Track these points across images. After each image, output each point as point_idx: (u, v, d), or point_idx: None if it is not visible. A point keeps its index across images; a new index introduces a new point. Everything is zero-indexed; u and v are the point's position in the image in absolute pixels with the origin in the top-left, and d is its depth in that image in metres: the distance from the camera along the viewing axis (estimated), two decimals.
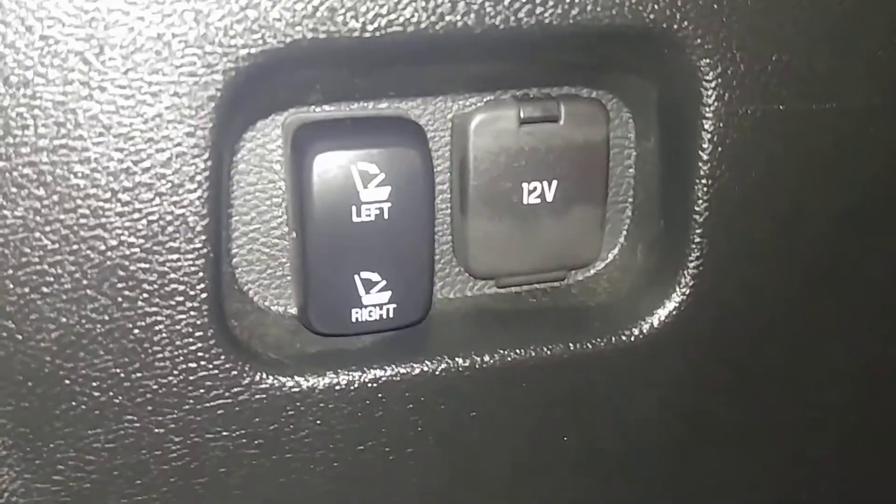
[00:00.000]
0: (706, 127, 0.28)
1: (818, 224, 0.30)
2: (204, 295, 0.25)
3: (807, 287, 0.31)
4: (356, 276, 0.27)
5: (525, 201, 0.30)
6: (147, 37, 0.22)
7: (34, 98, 0.22)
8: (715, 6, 0.26)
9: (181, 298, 0.25)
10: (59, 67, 0.22)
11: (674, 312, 0.30)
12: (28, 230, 0.23)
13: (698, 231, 0.29)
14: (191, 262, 0.24)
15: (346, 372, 0.27)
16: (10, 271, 0.23)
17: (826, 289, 0.31)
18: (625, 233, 0.32)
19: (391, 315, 0.28)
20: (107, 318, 0.24)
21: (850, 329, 0.33)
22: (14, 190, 0.23)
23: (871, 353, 0.33)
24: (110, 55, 0.22)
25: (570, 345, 0.30)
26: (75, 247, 0.23)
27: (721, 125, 0.28)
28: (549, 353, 0.30)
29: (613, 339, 0.30)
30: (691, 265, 0.30)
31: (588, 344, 0.30)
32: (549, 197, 0.30)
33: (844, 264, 0.31)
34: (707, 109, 0.28)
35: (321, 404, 0.27)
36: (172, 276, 0.24)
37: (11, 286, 0.23)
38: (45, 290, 0.23)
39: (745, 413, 0.32)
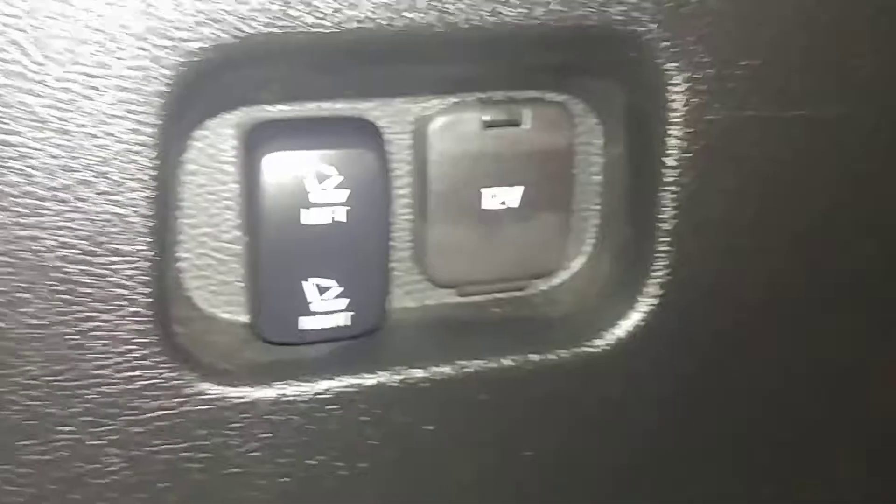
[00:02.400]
0: (674, 133, 0.27)
1: (786, 232, 0.30)
2: (147, 300, 0.24)
3: (774, 296, 0.30)
4: (306, 283, 0.26)
5: (487, 207, 0.29)
6: (91, 28, 0.21)
7: None
8: (683, 9, 0.26)
9: (122, 303, 0.23)
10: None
11: (640, 323, 0.29)
12: None
13: (665, 239, 0.29)
14: (132, 265, 0.23)
15: (296, 383, 0.26)
16: None
17: (794, 297, 0.31)
18: (591, 241, 0.31)
19: (348, 323, 0.27)
20: (42, 322, 0.23)
21: (817, 338, 0.32)
22: None
23: (839, 359, 0.33)
24: (51, 46, 0.21)
25: (532, 356, 0.29)
26: (9, 246, 0.22)
27: (689, 131, 0.27)
28: (509, 364, 0.29)
29: (577, 350, 0.29)
30: (658, 274, 0.29)
31: (550, 355, 0.29)
32: (513, 203, 0.29)
33: (812, 273, 0.31)
34: (675, 115, 0.27)
35: (270, 416, 0.26)
36: (113, 278, 0.23)
37: None
38: None
39: (712, 423, 0.32)
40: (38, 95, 0.21)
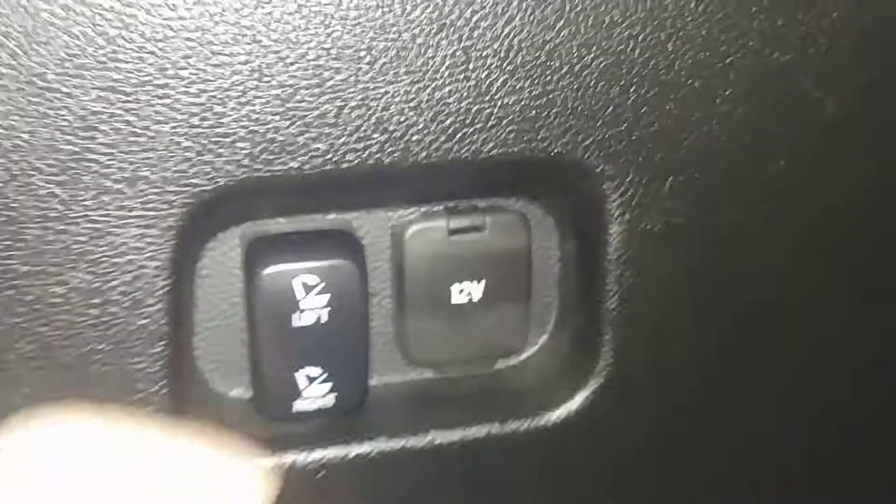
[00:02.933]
0: (612, 240, 0.32)
1: (717, 319, 0.34)
2: (164, 391, 0.29)
3: (710, 373, 0.35)
4: (297, 373, 0.31)
5: (455, 300, 0.33)
6: (115, 179, 0.26)
7: (18, 234, 0.26)
8: (614, 140, 0.30)
9: (143, 394, 0.29)
10: (36, 207, 0.26)
11: (590, 398, 0.34)
12: (11, 340, 0.27)
13: (609, 326, 0.33)
14: (150, 363, 0.28)
15: (292, 453, 0.31)
16: None
17: (729, 375, 0.35)
18: (551, 323, 0.36)
19: (333, 403, 0.32)
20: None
21: (757, 404, 0.36)
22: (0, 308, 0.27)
23: (779, 424, 0.37)
24: (83, 195, 0.26)
25: (497, 426, 0.34)
26: (53, 353, 0.27)
27: (625, 237, 0.32)
28: (478, 434, 0.33)
29: (536, 421, 0.34)
30: (604, 357, 0.33)
31: (513, 425, 0.34)
32: (477, 297, 0.34)
33: (746, 351, 0.35)
34: (612, 224, 0.32)
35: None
36: (135, 376, 0.28)
37: None
38: (24, 390, 0.27)
39: (654, 486, 0.36)
40: (74, 235, 0.27)
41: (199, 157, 0.27)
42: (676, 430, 0.35)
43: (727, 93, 0.31)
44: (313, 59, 0.27)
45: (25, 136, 0.25)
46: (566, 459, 0.34)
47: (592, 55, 0.29)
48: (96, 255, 0.27)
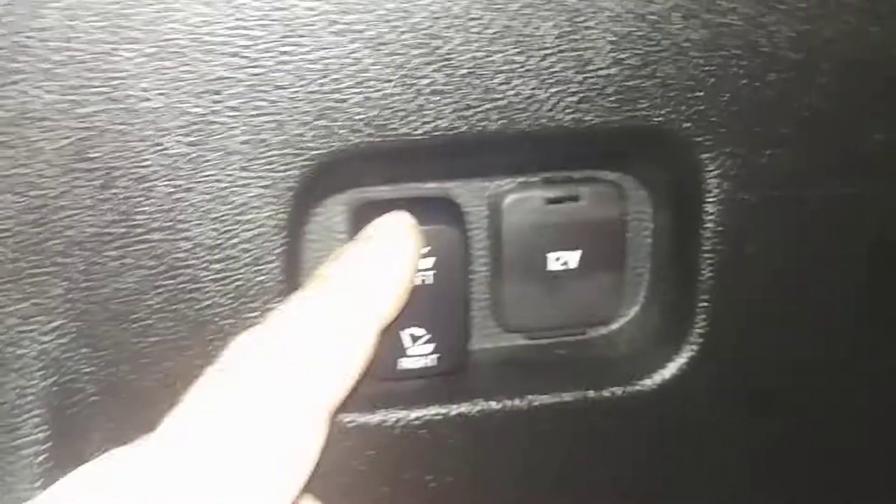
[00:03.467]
0: (708, 210, 0.32)
1: (810, 293, 0.34)
2: None
3: (802, 347, 0.35)
4: (402, 332, 0.32)
5: (551, 268, 0.34)
6: (239, 140, 0.28)
7: (150, 191, 0.28)
8: (713, 111, 0.31)
9: None
10: (168, 166, 0.28)
11: (683, 366, 0.34)
12: (139, 293, 0.29)
13: (703, 297, 0.34)
14: (264, 317, 0.30)
15: (395, 410, 0.33)
16: (125, 324, 0.29)
17: (821, 349, 0.35)
18: (643, 295, 0.36)
19: (434, 364, 0.33)
20: (200, 362, 0.30)
21: (844, 383, 0.36)
22: (130, 261, 0.28)
23: (872, 401, 0.37)
24: (209, 155, 0.28)
25: (590, 392, 0.34)
26: (178, 305, 0.29)
27: (721, 209, 0.32)
28: (572, 399, 0.34)
29: (630, 388, 0.35)
30: (697, 327, 0.34)
31: (607, 392, 0.35)
32: (573, 265, 0.34)
33: (838, 328, 0.35)
34: (709, 195, 0.32)
35: (373, 438, 0.32)
36: (252, 327, 0.30)
37: (125, 336, 0.29)
38: (150, 339, 0.29)
39: (746, 460, 0.36)
40: (201, 193, 0.28)
41: (317, 122, 0.28)
42: (766, 400, 0.35)
43: (826, 66, 0.31)
44: (425, 29, 0.28)
45: (158, 99, 0.27)
46: (658, 427, 0.35)
47: (693, 28, 0.30)
48: (220, 213, 0.29)
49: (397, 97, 0.29)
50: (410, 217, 0.30)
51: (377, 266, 0.28)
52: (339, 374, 0.26)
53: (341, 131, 0.29)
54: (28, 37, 0.26)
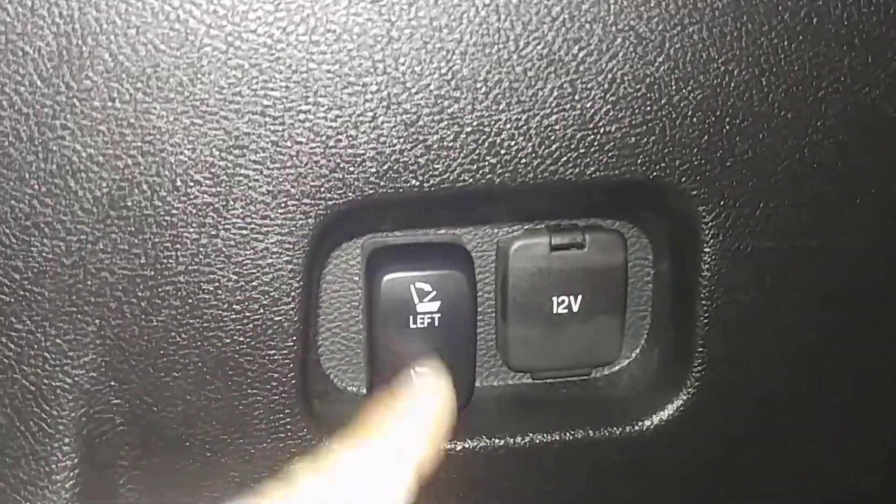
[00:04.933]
0: (705, 259, 0.34)
1: (803, 337, 0.36)
2: (293, 381, 0.32)
3: (797, 387, 0.36)
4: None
5: (555, 311, 0.36)
6: (261, 191, 0.30)
7: (178, 237, 0.30)
8: (709, 166, 0.32)
9: (275, 384, 0.32)
10: (194, 214, 0.30)
11: (681, 408, 0.36)
12: (165, 331, 0.31)
13: (701, 342, 0.35)
14: (284, 356, 0.32)
15: None
16: (152, 360, 0.31)
17: (815, 389, 0.37)
18: (644, 337, 0.38)
19: None
20: (220, 396, 0.32)
21: (841, 418, 0.38)
22: (158, 302, 0.31)
23: (865, 441, 0.38)
24: (233, 205, 0.30)
25: (592, 432, 0.36)
26: (201, 343, 0.31)
27: (717, 257, 0.34)
28: (574, 437, 0.36)
29: (630, 428, 0.36)
30: (695, 369, 0.35)
31: (608, 431, 0.36)
32: (576, 308, 0.36)
33: (833, 367, 0.37)
34: (706, 244, 0.34)
35: None
36: (269, 366, 0.32)
37: (151, 371, 0.31)
38: (175, 374, 0.31)
39: (743, 497, 0.38)
40: (224, 240, 0.30)
41: (333, 174, 0.30)
42: (763, 439, 0.37)
43: (818, 124, 0.33)
44: (435, 90, 0.30)
45: (187, 153, 0.29)
46: (657, 465, 0.36)
47: (689, 88, 0.31)
48: (242, 258, 0.31)
49: (408, 152, 0.31)
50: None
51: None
52: None
53: (356, 183, 0.31)
54: (73, 96, 0.28)
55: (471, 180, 0.31)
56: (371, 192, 0.31)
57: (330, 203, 0.31)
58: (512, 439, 0.35)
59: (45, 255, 0.29)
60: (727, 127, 0.32)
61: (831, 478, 0.38)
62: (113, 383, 0.31)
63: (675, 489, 0.37)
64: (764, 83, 0.32)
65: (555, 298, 0.36)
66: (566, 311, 0.36)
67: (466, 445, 0.35)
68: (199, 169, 0.30)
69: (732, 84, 0.32)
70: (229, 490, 0.33)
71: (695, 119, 0.32)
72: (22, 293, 0.30)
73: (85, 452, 0.31)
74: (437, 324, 0.34)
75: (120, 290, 0.30)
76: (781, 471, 0.37)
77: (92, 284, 0.30)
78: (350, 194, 0.31)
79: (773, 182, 0.33)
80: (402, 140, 0.31)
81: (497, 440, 0.35)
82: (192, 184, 0.30)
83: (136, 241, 0.30)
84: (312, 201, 0.31)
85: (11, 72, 0.28)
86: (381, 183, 0.31)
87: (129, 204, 0.29)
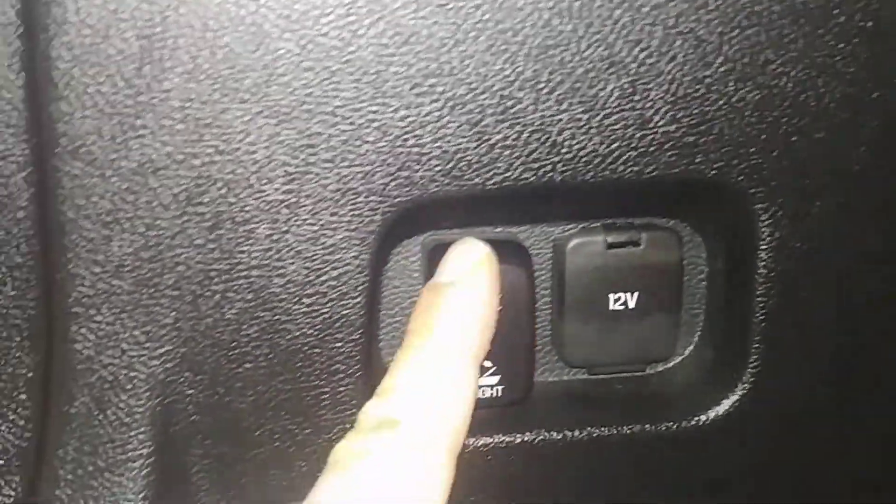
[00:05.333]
0: (760, 257, 0.35)
1: (858, 335, 0.36)
2: (359, 373, 0.33)
3: (851, 384, 0.37)
4: None
5: (611, 308, 0.37)
6: (330, 189, 0.31)
7: (251, 233, 0.31)
8: (765, 166, 0.33)
9: (342, 376, 0.33)
10: (268, 211, 0.31)
11: (736, 404, 0.36)
12: (238, 323, 0.32)
13: (756, 339, 0.36)
14: (350, 349, 0.33)
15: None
16: (224, 351, 0.32)
17: (869, 386, 0.37)
18: (698, 334, 0.39)
19: (499, 394, 0.36)
20: (288, 387, 0.33)
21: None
22: (231, 295, 0.32)
23: None
24: (304, 202, 0.31)
25: (648, 426, 0.37)
26: (271, 336, 0.32)
27: (773, 256, 0.34)
28: (630, 432, 0.37)
29: (685, 423, 0.37)
30: (750, 367, 0.36)
31: (663, 426, 0.37)
32: (632, 305, 0.37)
33: (887, 368, 0.37)
34: (761, 243, 0.34)
35: None
36: (337, 358, 0.33)
37: (224, 362, 0.32)
38: (246, 365, 0.33)
39: (799, 492, 0.38)
40: (297, 235, 0.31)
41: (400, 172, 0.31)
42: (818, 436, 0.37)
43: (874, 123, 0.33)
44: (499, 90, 0.31)
45: (261, 152, 0.31)
46: (711, 460, 0.37)
47: (747, 89, 0.32)
48: (311, 254, 0.32)
49: (472, 151, 0.32)
50: (484, 246, 0.33)
51: (471, 312, 0.31)
52: (459, 418, 0.29)
53: (421, 181, 0.32)
54: (153, 97, 0.29)
55: (532, 178, 0.32)
56: (435, 189, 0.32)
57: (396, 200, 0.32)
58: (570, 433, 0.36)
59: (124, 249, 0.31)
60: (783, 127, 0.33)
61: (885, 475, 0.38)
62: (187, 374, 0.32)
63: (730, 483, 0.38)
64: (820, 84, 0.32)
65: (611, 295, 0.37)
66: (622, 307, 0.37)
67: (525, 438, 0.35)
68: (273, 167, 0.31)
69: (790, 85, 0.32)
70: (297, 479, 0.34)
71: (752, 119, 0.33)
72: (102, 286, 0.31)
73: (160, 441, 0.32)
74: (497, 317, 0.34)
75: (195, 284, 0.31)
76: (835, 466, 0.38)
77: (169, 278, 0.31)
78: (415, 192, 0.32)
79: (829, 180, 0.34)
80: (466, 139, 0.31)
81: (555, 434, 0.36)
82: (265, 181, 0.31)
83: (211, 236, 0.31)
84: (379, 198, 0.32)
85: (95, 73, 0.29)
86: (446, 181, 0.32)
87: (206, 201, 0.31)
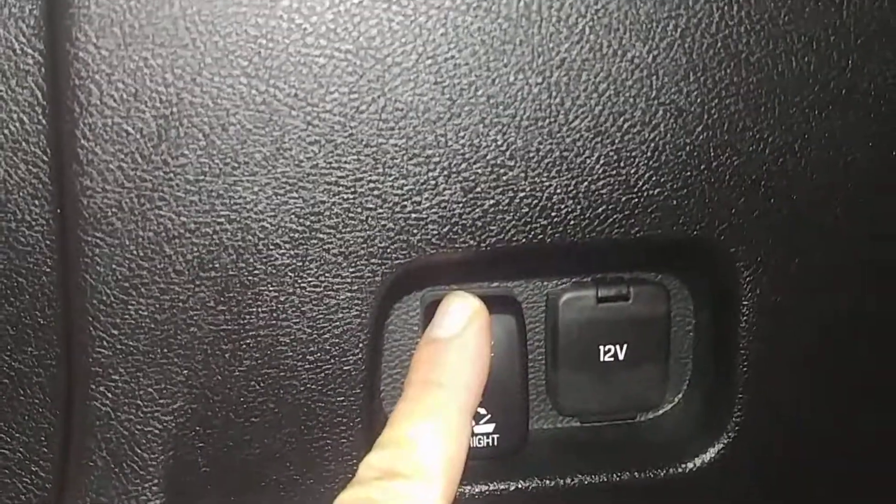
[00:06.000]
0: (744, 311, 0.36)
1: (840, 386, 0.38)
2: (360, 426, 0.35)
3: (834, 434, 0.38)
4: None
5: (601, 359, 0.39)
6: (333, 253, 0.33)
7: (259, 296, 0.33)
8: (746, 225, 0.35)
9: (344, 428, 0.35)
10: (274, 275, 0.33)
11: (722, 451, 0.38)
12: (246, 380, 0.34)
13: (741, 389, 0.37)
14: (352, 402, 0.35)
15: (459, 486, 0.37)
16: (233, 406, 0.34)
17: (852, 435, 0.39)
18: (686, 383, 0.40)
19: (495, 443, 0.38)
20: (293, 440, 0.35)
21: (880, 465, 0.39)
22: (240, 353, 0.34)
23: None
24: (309, 266, 0.33)
25: (638, 473, 0.38)
26: (277, 391, 0.34)
27: (755, 310, 0.36)
28: (621, 478, 0.38)
29: (674, 469, 0.38)
30: (736, 415, 0.38)
31: (653, 473, 0.38)
32: (621, 356, 0.39)
33: (868, 417, 0.39)
34: (744, 297, 0.36)
35: None
36: (339, 411, 0.35)
37: (232, 417, 0.34)
38: (253, 419, 0.34)
39: None
40: (300, 297, 0.33)
41: (399, 236, 0.33)
42: (802, 483, 0.39)
43: (849, 186, 0.35)
44: (492, 160, 0.33)
45: (269, 220, 0.32)
46: None
47: (727, 155, 0.34)
48: (315, 313, 0.34)
49: (467, 215, 0.33)
50: (475, 300, 0.35)
51: (466, 365, 0.33)
52: (456, 469, 0.31)
53: (419, 244, 0.34)
54: (170, 171, 0.31)
55: (523, 239, 0.34)
56: (433, 251, 0.34)
57: (395, 262, 0.34)
58: (562, 480, 0.37)
59: (140, 312, 0.33)
60: (763, 189, 0.35)
61: None
62: (198, 428, 0.34)
63: None
64: (797, 149, 0.34)
65: (601, 347, 0.38)
66: (612, 358, 0.39)
67: (520, 486, 0.37)
68: (280, 234, 0.33)
69: (767, 150, 0.34)
70: None
71: (732, 182, 0.34)
72: (119, 347, 0.33)
73: (172, 492, 0.34)
74: (491, 369, 0.36)
75: (206, 344, 0.33)
76: None
77: (182, 339, 0.33)
78: (413, 253, 0.34)
79: (809, 239, 0.36)
80: (461, 205, 0.33)
81: (548, 481, 0.37)
82: (272, 247, 0.33)
83: (221, 299, 0.33)
84: (379, 260, 0.34)
85: (115, 150, 0.31)
86: (442, 243, 0.34)
87: (216, 266, 0.32)
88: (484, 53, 0.32)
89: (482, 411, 0.37)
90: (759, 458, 0.38)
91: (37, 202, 0.31)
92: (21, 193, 0.32)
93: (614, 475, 0.38)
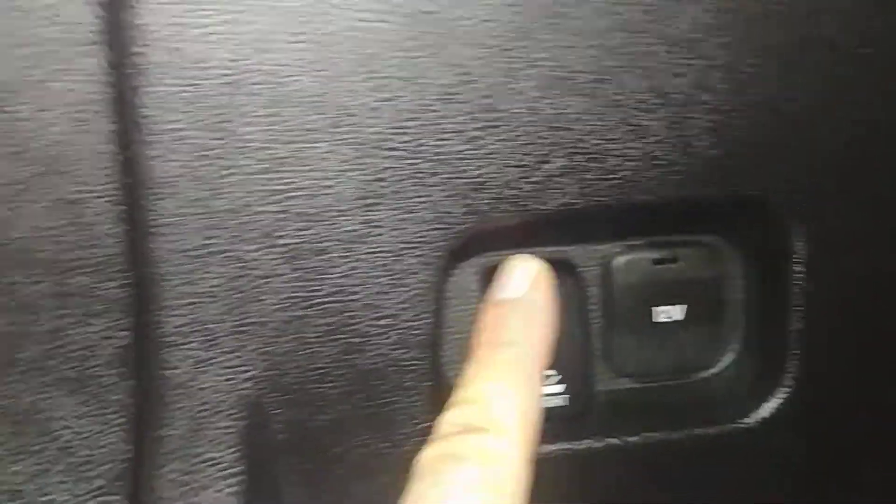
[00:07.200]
0: (795, 270, 0.37)
1: (893, 343, 0.39)
2: (428, 390, 0.36)
3: (886, 388, 0.39)
4: None
5: (656, 320, 0.39)
6: (399, 219, 0.34)
7: (329, 263, 0.34)
8: (799, 184, 0.36)
9: (413, 392, 0.36)
10: (344, 241, 0.34)
11: (775, 409, 0.39)
12: (318, 346, 0.35)
13: (794, 347, 0.38)
14: (419, 367, 0.36)
15: None
16: (306, 373, 0.35)
17: None
18: (738, 342, 0.41)
19: (566, 403, 0.38)
20: (365, 405, 0.35)
21: None
22: (312, 320, 0.34)
23: None
24: (377, 230, 0.34)
25: (695, 430, 0.39)
26: (348, 357, 0.35)
27: (807, 268, 0.37)
28: (680, 436, 0.39)
29: (730, 426, 0.39)
30: (788, 372, 0.38)
31: (708, 430, 0.39)
32: (676, 317, 0.39)
33: None
34: (796, 257, 0.37)
35: None
36: (407, 376, 0.35)
37: (305, 383, 0.35)
38: (326, 385, 0.35)
39: (840, 492, 0.40)
40: (369, 262, 0.34)
41: (462, 201, 0.34)
42: (856, 438, 0.40)
43: None
44: (552, 122, 0.34)
45: (338, 187, 0.33)
46: (757, 461, 0.39)
47: (781, 113, 0.35)
48: (384, 278, 0.34)
49: (529, 179, 0.34)
50: (539, 262, 0.36)
51: (535, 325, 0.34)
52: (534, 426, 0.32)
53: (482, 208, 0.34)
54: (237, 139, 0.32)
55: (583, 203, 0.35)
56: (497, 214, 0.34)
57: (459, 227, 0.34)
58: (628, 438, 0.38)
59: (213, 281, 0.33)
60: (818, 149, 0.35)
61: None
62: (273, 394, 0.34)
63: (776, 484, 0.40)
64: (850, 109, 0.35)
65: (655, 308, 0.39)
66: (666, 319, 0.39)
67: (587, 444, 0.38)
68: (348, 200, 0.33)
69: (819, 110, 0.35)
70: (377, 492, 0.36)
71: (787, 140, 0.35)
72: (194, 316, 0.33)
73: (250, 459, 0.34)
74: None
75: (279, 311, 0.34)
76: (879, 465, 0.40)
77: (254, 307, 0.34)
78: (477, 217, 0.34)
79: (860, 198, 0.36)
80: (522, 169, 0.34)
81: (615, 440, 0.38)
82: (340, 214, 0.33)
83: (292, 266, 0.34)
84: (444, 225, 0.34)
85: (182, 118, 0.32)
86: (505, 207, 0.34)
87: (286, 233, 0.33)
88: (542, 17, 0.33)
89: (551, 372, 0.38)
90: (814, 413, 0.39)
91: (104, 171, 0.32)
92: (87, 163, 0.32)
93: (674, 433, 0.39)
